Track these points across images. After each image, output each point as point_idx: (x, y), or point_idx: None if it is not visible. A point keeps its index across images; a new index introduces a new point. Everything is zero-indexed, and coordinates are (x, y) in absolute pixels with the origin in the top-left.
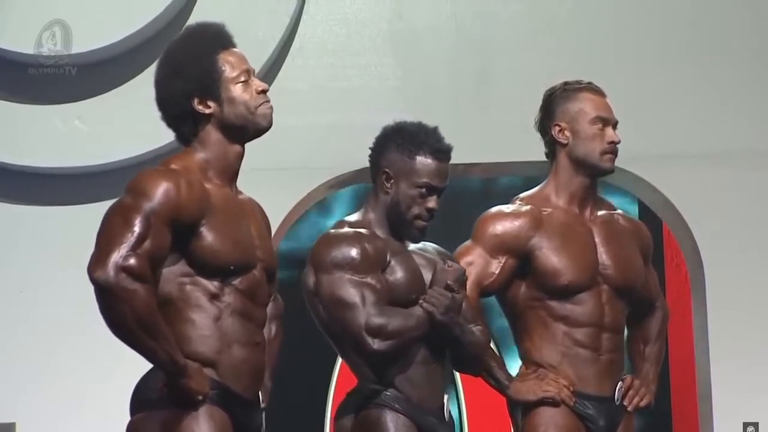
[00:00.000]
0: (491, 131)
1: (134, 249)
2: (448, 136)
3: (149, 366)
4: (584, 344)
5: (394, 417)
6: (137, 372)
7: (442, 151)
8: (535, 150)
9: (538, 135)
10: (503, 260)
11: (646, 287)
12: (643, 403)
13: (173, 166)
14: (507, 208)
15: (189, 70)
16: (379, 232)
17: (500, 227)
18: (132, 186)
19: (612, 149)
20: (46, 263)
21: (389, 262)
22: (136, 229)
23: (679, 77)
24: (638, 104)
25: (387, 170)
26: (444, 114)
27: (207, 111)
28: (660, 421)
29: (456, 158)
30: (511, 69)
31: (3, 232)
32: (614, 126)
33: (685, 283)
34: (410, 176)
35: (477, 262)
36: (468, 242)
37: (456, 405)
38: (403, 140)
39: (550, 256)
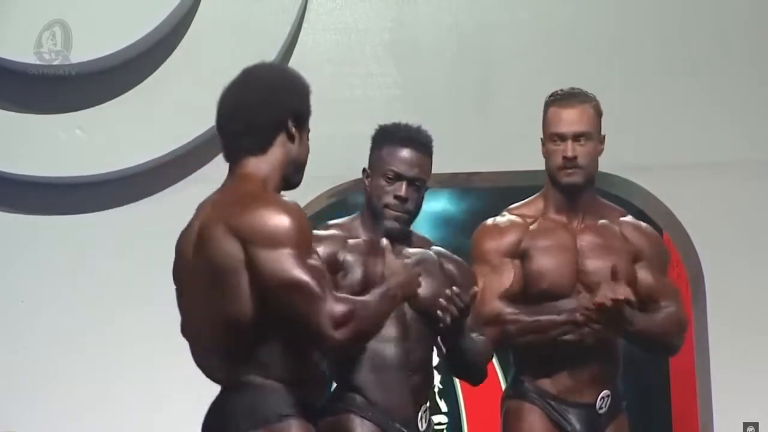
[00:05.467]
0: (492, 140)
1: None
2: (449, 145)
3: (148, 376)
4: (565, 351)
5: (361, 423)
6: (138, 381)
7: (409, 140)
8: (535, 159)
9: (539, 145)
10: (510, 261)
11: (646, 291)
12: (619, 295)
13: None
14: (496, 221)
15: (295, 92)
16: (363, 234)
17: (495, 240)
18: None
19: (565, 164)
20: (47, 272)
21: (341, 263)
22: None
23: (679, 88)
24: (639, 115)
25: (365, 168)
26: (445, 123)
27: (293, 133)
28: (660, 423)
29: (457, 167)
30: (511, 79)
31: (4, 241)
32: (576, 137)
33: (685, 291)
34: (379, 167)
35: (489, 278)
36: (473, 266)
37: (456, 406)
38: (376, 136)
39: (533, 261)
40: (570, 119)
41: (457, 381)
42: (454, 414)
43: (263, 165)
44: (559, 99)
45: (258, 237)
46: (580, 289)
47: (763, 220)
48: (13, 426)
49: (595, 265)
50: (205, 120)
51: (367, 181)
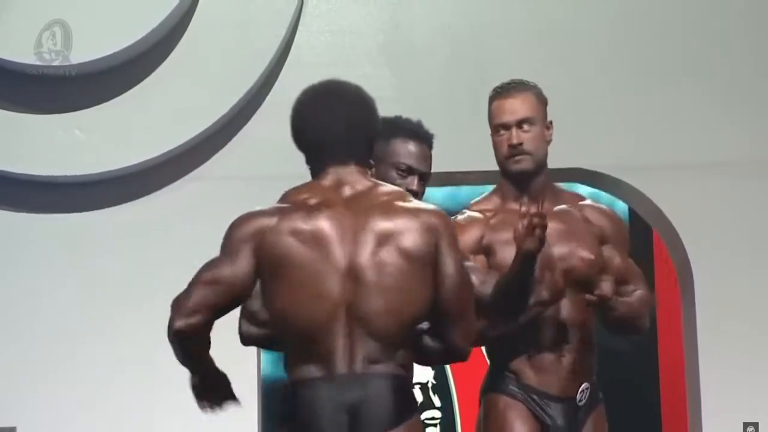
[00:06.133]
0: (486, 140)
1: None
2: (444, 145)
3: (147, 372)
4: (545, 344)
5: None
6: (137, 378)
7: (418, 134)
8: None
9: None
10: (473, 258)
11: (615, 274)
12: (607, 294)
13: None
14: (456, 219)
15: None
16: None
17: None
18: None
19: (512, 152)
20: (47, 269)
21: None
22: None
23: (671, 90)
24: (631, 116)
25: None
26: (440, 123)
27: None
28: (650, 420)
29: (453, 166)
30: (505, 79)
31: (5, 238)
32: (519, 124)
33: (674, 288)
34: (388, 158)
35: None
36: None
37: (449, 401)
38: (383, 128)
39: (498, 255)
40: (511, 108)
41: (450, 376)
42: (447, 409)
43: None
44: (499, 92)
45: (450, 238)
46: (549, 277)
47: (750, 219)
48: (12, 420)
49: (561, 250)
50: (202, 120)
51: (371, 172)
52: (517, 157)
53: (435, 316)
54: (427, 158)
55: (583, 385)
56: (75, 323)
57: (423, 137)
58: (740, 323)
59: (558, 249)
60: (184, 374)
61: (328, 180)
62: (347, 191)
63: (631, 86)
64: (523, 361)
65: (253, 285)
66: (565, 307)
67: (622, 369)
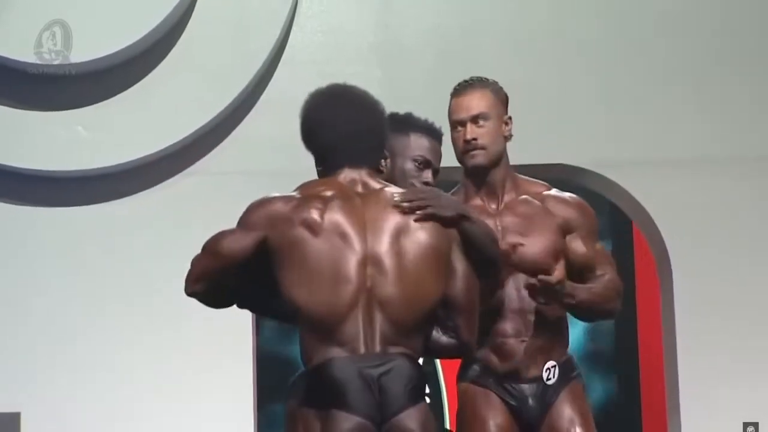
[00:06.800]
0: None
1: None
2: None
3: (140, 359)
4: (508, 330)
5: None
6: (141, 363)
7: (434, 130)
8: (515, 154)
9: (519, 142)
10: None
11: (581, 261)
12: (550, 278)
13: None
14: None
15: None
16: None
17: None
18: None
19: (468, 147)
20: (48, 261)
21: None
22: None
23: (651, 88)
24: (613, 114)
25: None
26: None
27: None
28: (630, 415)
29: (440, 162)
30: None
31: (10, 230)
32: (474, 120)
33: (654, 280)
34: (405, 151)
35: None
36: None
37: (437, 389)
38: (395, 120)
39: None
40: (467, 105)
41: (438, 365)
42: (435, 397)
43: None
44: (457, 89)
45: (458, 238)
46: (509, 270)
47: (725, 213)
48: (16, 406)
49: (516, 242)
50: (200, 117)
51: (384, 163)
52: (472, 152)
53: (445, 312)
54: (439, 154)
55: (549, 364)
56: (76, 312)
57: (436, 134)
58: (719, 315)
59: (513, 240)
60: (180, 360)
61: (341, 177)
62: (361, 188)
63: (613, 85)
64: (489, 348)
65: (252, 260)
66: (528, 298)
67: (603, 360)
